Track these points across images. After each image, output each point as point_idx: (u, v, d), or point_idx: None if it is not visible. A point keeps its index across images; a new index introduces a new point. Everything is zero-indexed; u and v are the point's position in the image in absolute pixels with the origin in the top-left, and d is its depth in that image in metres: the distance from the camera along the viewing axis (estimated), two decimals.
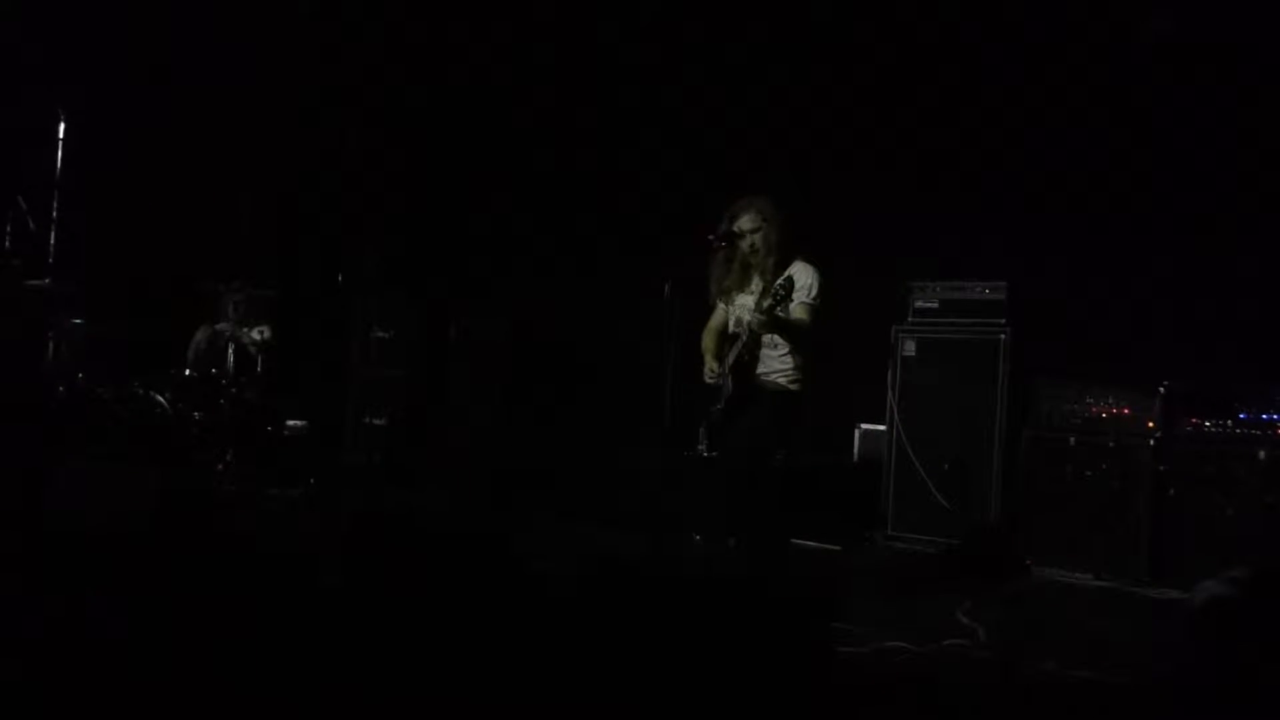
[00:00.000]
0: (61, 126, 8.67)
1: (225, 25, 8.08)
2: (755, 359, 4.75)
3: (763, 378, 4.77)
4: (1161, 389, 5.88)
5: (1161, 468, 5.73)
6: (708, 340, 5.02)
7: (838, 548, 6.52)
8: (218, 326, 7.44)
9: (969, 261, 6.67)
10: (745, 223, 4.72)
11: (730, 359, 4.75)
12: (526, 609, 3.67)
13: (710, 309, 5.06)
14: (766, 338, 4.69)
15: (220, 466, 6.90)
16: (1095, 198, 6.34)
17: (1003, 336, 6.45)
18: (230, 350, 7.32)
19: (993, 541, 6.16)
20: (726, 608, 4.53)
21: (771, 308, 4.39)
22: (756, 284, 4.76)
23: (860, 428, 7.24)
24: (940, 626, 4.60)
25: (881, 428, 6.92)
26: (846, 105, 7.22)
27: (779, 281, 4.40)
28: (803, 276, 4.64)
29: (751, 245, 4.72)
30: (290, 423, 8.07)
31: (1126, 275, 6.27)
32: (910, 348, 6.76)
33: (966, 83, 6.77)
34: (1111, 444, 5.96)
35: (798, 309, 4.63)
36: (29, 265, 7.08)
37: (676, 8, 7.66)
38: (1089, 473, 6.01)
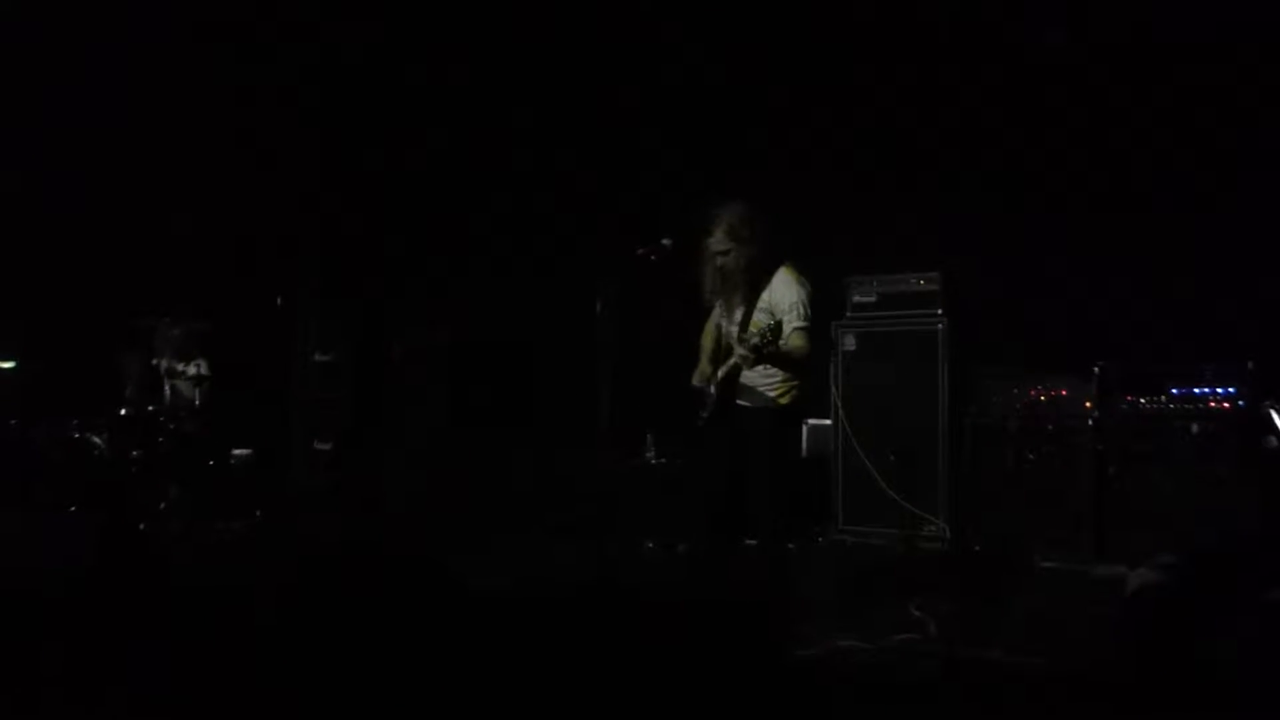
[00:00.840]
0: None
1: (140, 45, 7.92)
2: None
3: (751, 391, 4.56)
4: (1096, 369, 5.97)
5: (1100, 447, 5.82)
6: (706, 341, 4.83)
7: (789, 545, 6.52)
8: (154, 362, 7.32)
9: (903, 255, 6.73)
10: (715, 243, 4.53)
11: (721, 373, 4.56)
12: (469, 631, 3.64)
13: (706, 311, 4.84)
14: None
15: (162, 505, 6.77)
16: (1020, 186, 6.43)
17: (940, 327, 6.52)
18: (167, 385, 7.21)
19: (1000, 540, 6.13)
20: (678, 618, 4.56)
21: (757, 348, 4.24)
22: (739, 302, 4.60)
23: (806, 423, 7.26)
24: (894, 621, 4.63)
25: (827, 422, 6.95)
26: (779, 103, 7.25)
27: (763, 326, 4.29)
28: (786, 295, 4.49)
29: (723, 266, 4.55)
30: (236, 452, 7.96)
31: (1056, 261, 6.36)
32: (850, 342, 6.81)
33: (894, 75, 6.83)
34: (1051, 426, 6.05)
35: (792, 336, 4.44)
36: None
37: (609, 12, 7.62)
38: (1031, 456, 6.09)
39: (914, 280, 6.70)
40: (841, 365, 6.81)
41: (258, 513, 7.11)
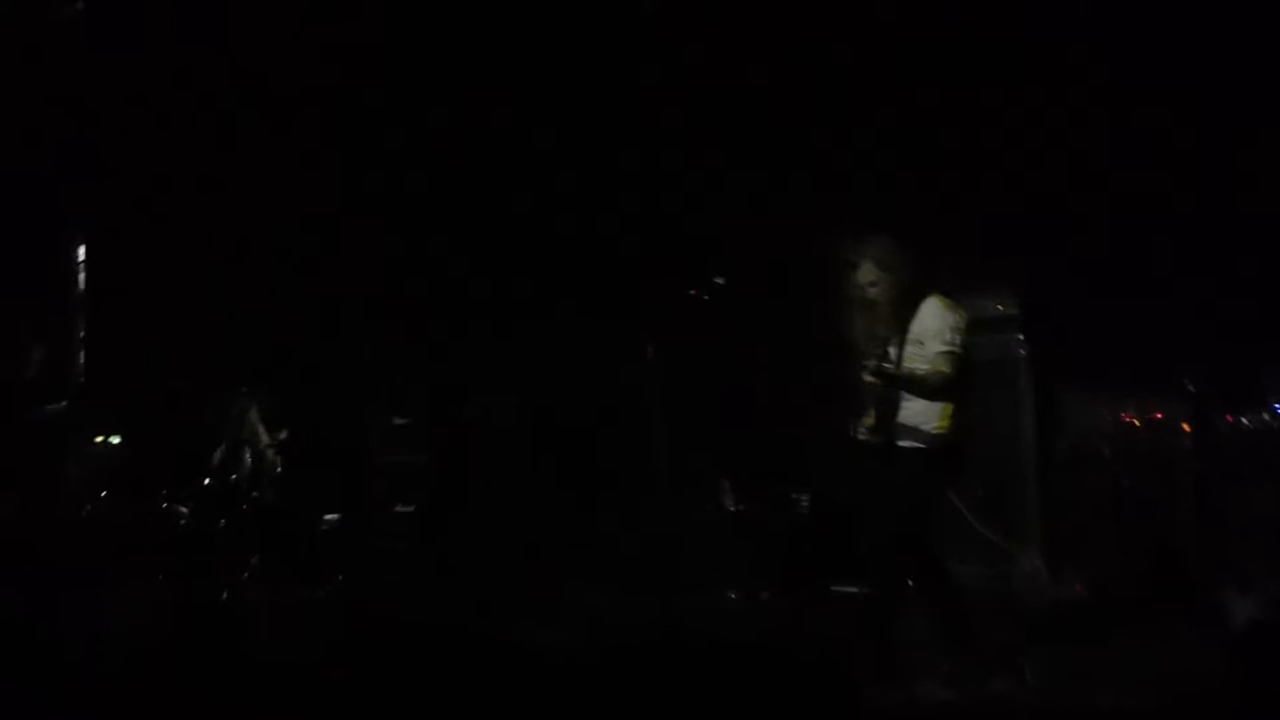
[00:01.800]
0: (82, 250, 8.90)
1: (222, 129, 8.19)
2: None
3: (901, 428, 4.32)
4: (1192, 388, 5.67)
5: (1202, 472, 5.50)
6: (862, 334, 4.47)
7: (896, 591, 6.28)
8: (245, 434, 7.47)
9: (977, 278, 6.49)
10: (862, 274, 4.37)
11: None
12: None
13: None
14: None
15: (245, 574, 6.84)
16: (1097, 201, 6.18)
17: (1021, 352, 6.26)
18: (248, 455, 7.33)
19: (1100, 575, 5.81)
20: (762, 669, 4.38)
21: (879, 371, 4.09)
22: (889, 336, 4.38)
23: None
24: (987, 667, 4.36)
25: None
26: (831, 125, 7.12)
27: (884, 350, 4.13)
28: (933, 321, 4.30)
29: (872, 298, 4.38)
30: (326, 517, 8.05)
31: (1136, 277, 6.07)
32: None
33: (963, 92, 6.65)
34: (1148, 450, 5.73)
35: (936, 361, 4.24)
36: (39, 388, 7.15)
37: (656, 57, 7.61)
38: (1128, 483, 5.78)
39: (991, 305, 6.45)
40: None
41: (340, 578, 7.12)
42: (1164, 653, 4.51)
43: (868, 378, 4.18)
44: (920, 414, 4.28)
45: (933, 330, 4.27)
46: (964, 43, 6.59)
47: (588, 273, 8.04)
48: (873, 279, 4.35)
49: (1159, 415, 5.81)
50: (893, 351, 4.36)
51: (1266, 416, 5.38)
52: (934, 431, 4.25)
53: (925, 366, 4.24)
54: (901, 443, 4.31)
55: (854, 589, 6.13)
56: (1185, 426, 5.66)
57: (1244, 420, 5.47)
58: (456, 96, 8.19)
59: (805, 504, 6.60)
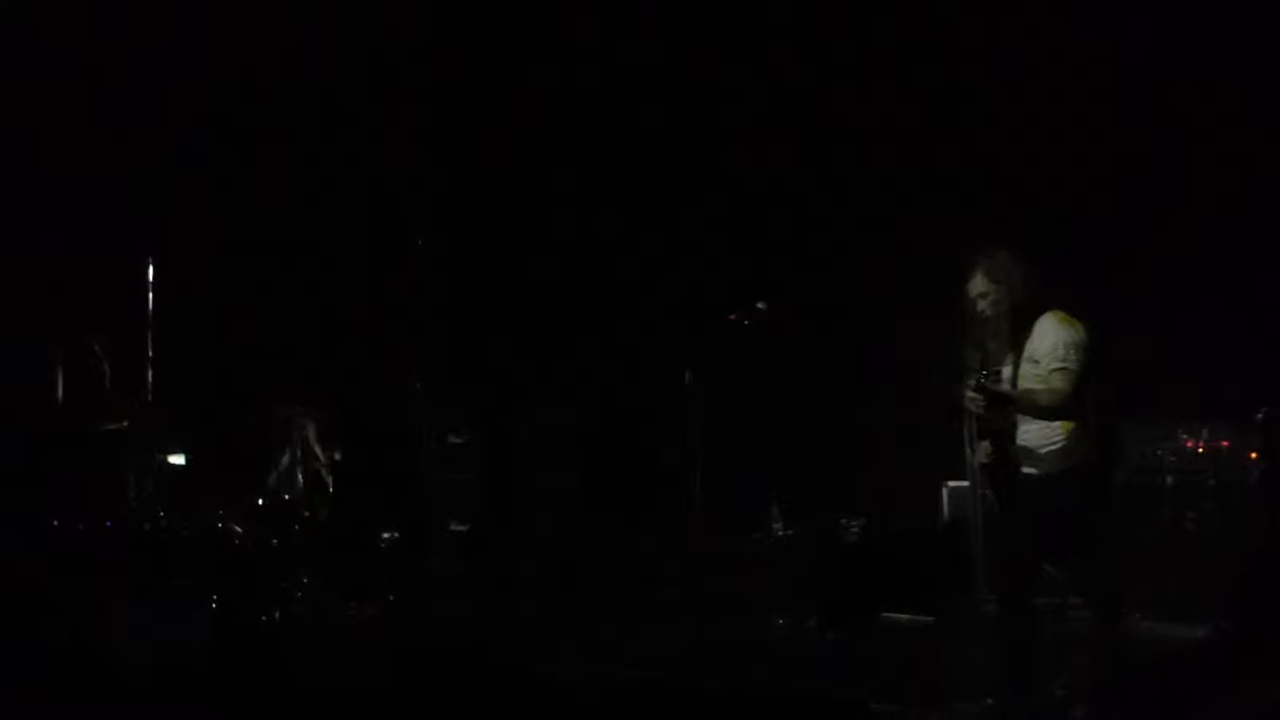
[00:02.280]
0: (150, 270, 9.10)
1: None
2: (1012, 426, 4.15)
3: (1026, 453, 4.17)
4: (1260, 415, 5.44)
5: (1272, 504, 5.27)
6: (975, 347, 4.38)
7: (930, 619, 6.14)
8: (299, 453, 7.55)
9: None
10: (974, 286, 4.23)
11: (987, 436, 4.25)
12: None
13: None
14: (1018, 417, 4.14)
15: (298, 592, 6.89)
16: (1139, 225, 5.98)
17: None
18: (301, 474, 7.41)
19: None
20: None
21: (982, 387, 3.97)
22: (1004, 351, 4.24)
23: (947, 486, 6.86)
24: (1040, 707, 4.21)
25: (965, 484, 6.55)
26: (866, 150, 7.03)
27: (987, 371, 3.99)
28: (1048, 337, 4.10)
29: (982, 311, 4.22)
30: (385, 535, 8.10)
31: (1199, 299, 5.86)
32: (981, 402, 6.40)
33: (1004, 115, 6.51)
34: (1212, 481, 5.52)
35: (1051, 378, 4.04)
36: (99, 407, 7.29)
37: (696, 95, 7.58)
38: (1191, 514, 5.57)
39: None
40: (973, 423, 6.42)
41: (391, 597, 7.15)
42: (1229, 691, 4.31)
43: (970, 396, 4.03)
44: (1037, 436, 4.12)
45: (1046, 345, 4.08)
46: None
47: (639, 294, 8.03)
48: (984, 290, 4.20)
49: (1225, 443, 5.58)
50: (1006, 371, 4.20)
51: None
52: (1052, 453, 4.07)
53: (1039, 386, 4.04)
54: (1024, 469, 4.15)
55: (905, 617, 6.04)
56: (1253, 455, 5.42)
57: None
58: (512, 122, 8.25)
59: (857, 532, 6.48)
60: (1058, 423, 4.06)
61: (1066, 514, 4.08)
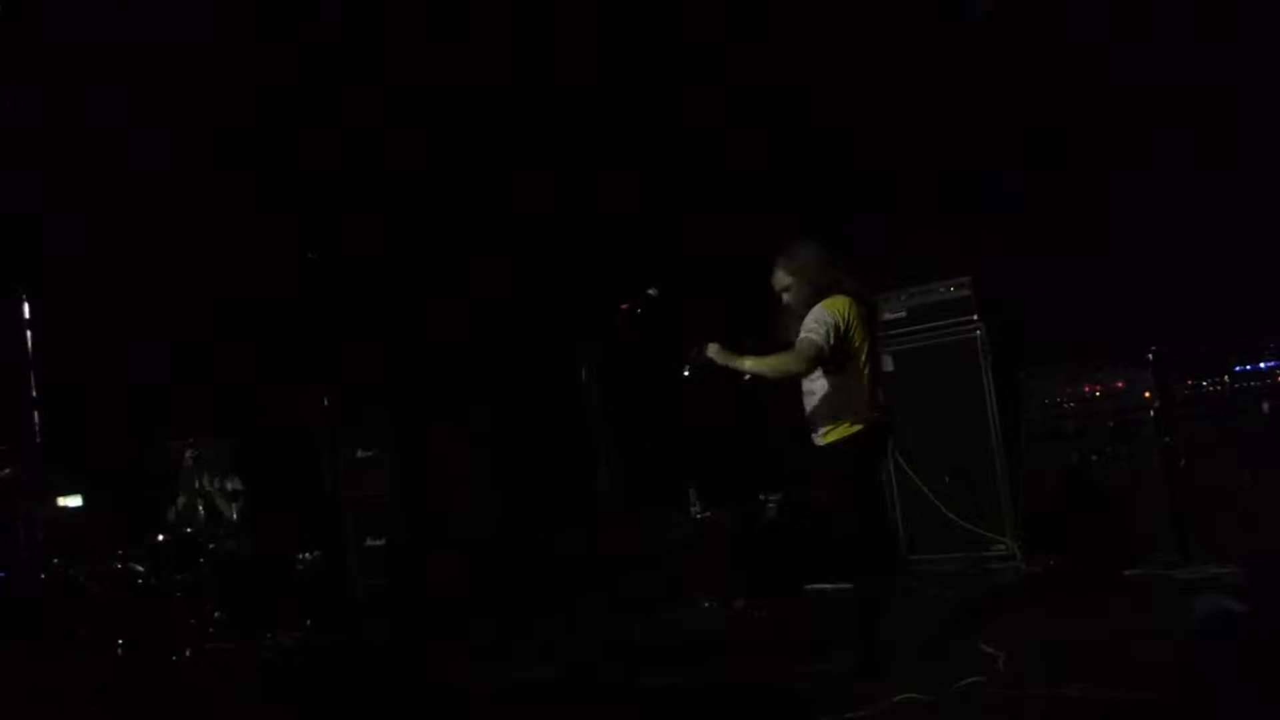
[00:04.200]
0: (26, 307, 8.68)
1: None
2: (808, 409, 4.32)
3: (813, 433, 4.33)
4: (1151, 355, 5.57)
5: (1167, 438, 5.39)
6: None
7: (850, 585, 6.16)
8: (197, 485, 7.28)
9: (926, 263, 6.39)
10: (776, 281, 4.40)
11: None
12: None
13: None
14: (805, 385, 4.29)
15: (211, 629, 6.64)
16: (1039, 175, 6.06)
17: (978, 333, 6.17)
18: (201, 506, 7.14)
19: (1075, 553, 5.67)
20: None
21: (693, 367, 4.04)
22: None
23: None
24: (960, 663, 4.24)
25: None
26: (770, 112, 7.00)
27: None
28: (808, 320, 4.26)
29: (787, 303, 4.38)
30: (302, 555, 7.87)
31: (1085, 249, 5.97)
32: (888, 363, 6.44)
33: (897, 73, 6.52)
34: (1111, 423, 5.63)
35: (799, 343, 4.21)
36: None
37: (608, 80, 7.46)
38: (1095, 456, 5.67)
39: (943, 288, 6.35)
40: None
41: (308, 623, 6.94)
42: (1142, 632, 4.38)
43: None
44: (810, 411, 4.30)
45: (807, 324, 4.23)
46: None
47: (531, 294, 7.91)
48: (785, 285, 4.34)
49: (1120, 384, 5.69)
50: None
51: (1226, 379, 5.25)
52: (827, 429, 4.25)
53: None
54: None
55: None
56: (1147, 394, 5.53)
57: (1204, 384, 5.34)
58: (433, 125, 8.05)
59: (774, 508, 6.47)
60: (823, 400, 4.24)
61: (844, 475, 4.24)
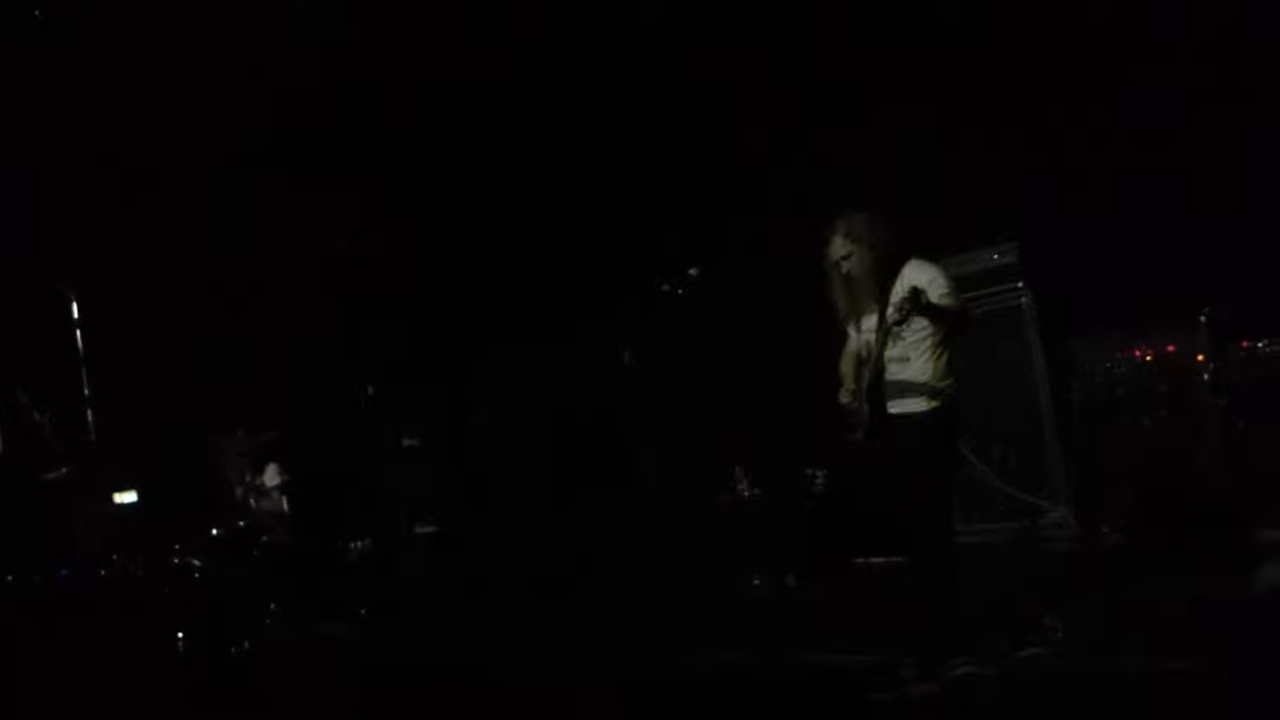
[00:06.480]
0: (75, 307, 8.80)
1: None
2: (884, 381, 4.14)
3: (901, 401, 4.15)
4: (1203, 317, 5.45)
5: (1222, 402, 5.29)
6: (845, 367, 4.42)
7: (902, 559, 6.13)
8: (247, 478, 7.38)
9: (970, 230, 6.28)
10: (835, 250, 4.22)
11: (864, 383, 4.20)
12: None
13: (842, 335, 4.45)
14: (895, 355, 4.13)
15: (268, 620, 6.74)
16: (1080, 135, 5.93)
17: (1023, 300, 6.08)
18: (252, 499, 7.25)
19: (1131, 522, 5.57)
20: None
21: (904, 313, 3.81)
22: (871, 306, 4.23)
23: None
24: (1017, 634, 4.19)
25: None
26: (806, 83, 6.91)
27: (903, 295, 3.84)
28: (918, 275, 4.08)
29: (848, 272, 4.22)
30: (354, 545, 7.96)
31: (1132, 210, 5.83)
32: None
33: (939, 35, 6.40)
34: (1163, 388, 5.53)
35: (942, 300, 4.01)
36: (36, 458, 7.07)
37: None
38: (1147, 422, 5.58)
39: (987, 255, 6.26)
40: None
41: (361, 612, 7.01)
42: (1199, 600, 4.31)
43: (894, 315, 3.91)
44: (918, 370, 4.10)
45: (922, 280, 4.00)
46: None
47: (567, 278, 7.90)
48: (845, 252, 4.20)
49: (1171, 348, 5.59)
50: (870, 321, 4.20)
51: None
52: (928, 397, 4.07)
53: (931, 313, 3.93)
54: (904, 409, 4.12)
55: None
56: (1200, 357, 5.42)
57: (1259, 345, 5.22)
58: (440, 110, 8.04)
59: (822, 483, 6.44)
60: (928, 365, 4.09)
61: (937, 445, 4.10)
